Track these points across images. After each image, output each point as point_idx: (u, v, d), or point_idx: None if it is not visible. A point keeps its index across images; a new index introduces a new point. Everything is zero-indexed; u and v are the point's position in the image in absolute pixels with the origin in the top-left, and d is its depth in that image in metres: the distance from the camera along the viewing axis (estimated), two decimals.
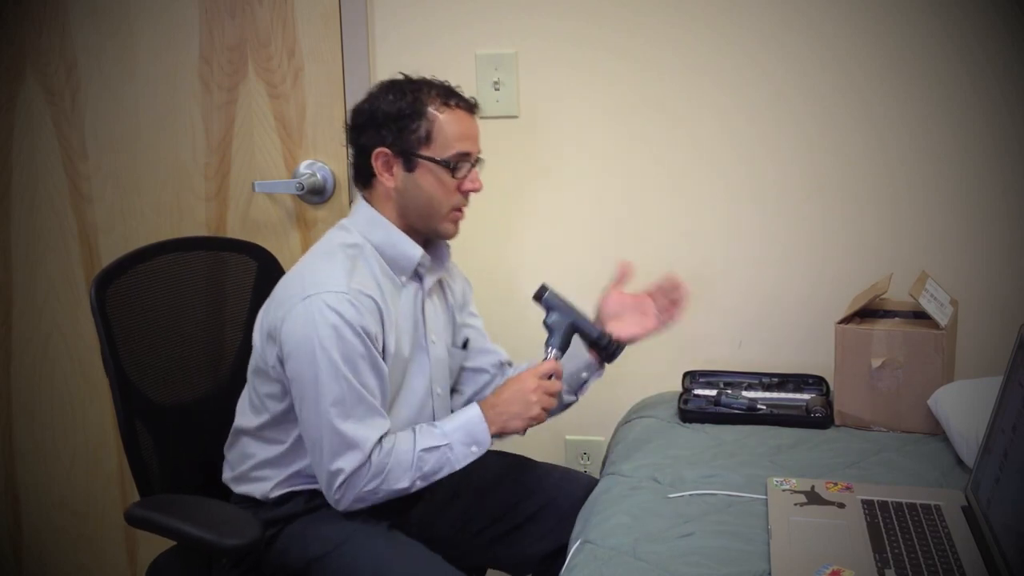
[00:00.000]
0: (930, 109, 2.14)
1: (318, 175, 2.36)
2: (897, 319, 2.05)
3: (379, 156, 1.76)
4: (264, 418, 1.79)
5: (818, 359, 2.14)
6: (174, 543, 1.78)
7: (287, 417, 1.77)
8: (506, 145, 2.31)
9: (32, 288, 2.52)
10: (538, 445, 2.34)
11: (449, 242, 1.89)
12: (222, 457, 1.89)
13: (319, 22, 2.33)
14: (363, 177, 1.81)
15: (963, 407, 1.84)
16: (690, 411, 2.07)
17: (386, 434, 1.70)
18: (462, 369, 1.99)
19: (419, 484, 1.71)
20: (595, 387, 2.35)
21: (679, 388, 2.21)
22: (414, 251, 1.79)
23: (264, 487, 1.80)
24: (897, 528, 1.53)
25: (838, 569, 1.41)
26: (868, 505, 1.60)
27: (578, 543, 1.62)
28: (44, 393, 2.57)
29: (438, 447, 1.71)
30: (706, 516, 1.64)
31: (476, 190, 1.81)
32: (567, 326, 1.84)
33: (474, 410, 1.75)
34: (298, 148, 2.38)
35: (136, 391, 1.83)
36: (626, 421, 2.15)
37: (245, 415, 1.83)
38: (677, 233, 2.29)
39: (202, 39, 2.37)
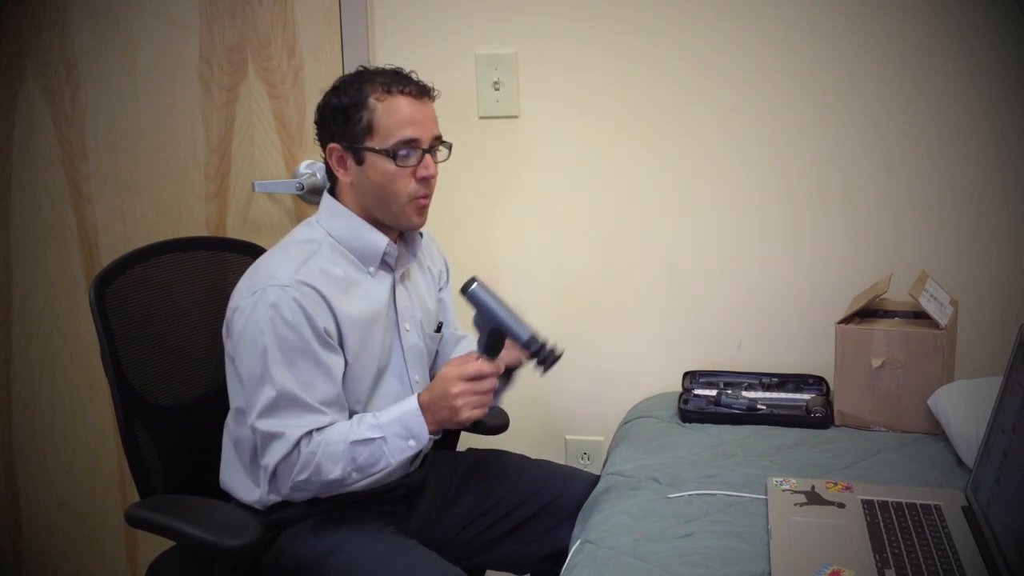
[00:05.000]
0: (930, 109, 2.14)
1: (318, 175, 2.35)
2: (897, 319, 2.05)
3: (332, 152, 1.77)
4: (242, 428, 1.77)
5: (818, 359, 2.15)
6: (174, 543, 1.78)
7: None
8: (506, 145, 2.31)
9: (32, 288, 2.52)
10: (538, 445, 2.34)
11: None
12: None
13: (319, 22, 2.33)
14: (330, 175, 1.82)
15: (963, 407, 1.84)
16: (690, 411, 2.07)
17: (323, 427, 1.68)
18: (437, 353, 1.99)
19: (355, 476, 1.67)
20: (595, 387, 2.36)
21: (679, 388, 2.21)
22: (379, 240, 1.78)
23: (259, 494, 1.78)
24: (897, 528, 1.53)
25: (838, 569, 1.41)
26: (868, 505, 1.60)
27: (578, 543, 1.62)
28: (44, 393, 2.56)
29: (372, 440, 1.67)
30: (706, 516, 1.64)
31: (429, 177, 1.76)
32: (489, 330, 1.65)
33: (412, 403, 1.69)
34: (298, 148, 2.38)
35: (136, 391, 1.82)
36: (626, 421, 2.15)
37: (230, 423, 1.82)
38: (677, 232, 2.29)
39: (202, 39, 2.37)
